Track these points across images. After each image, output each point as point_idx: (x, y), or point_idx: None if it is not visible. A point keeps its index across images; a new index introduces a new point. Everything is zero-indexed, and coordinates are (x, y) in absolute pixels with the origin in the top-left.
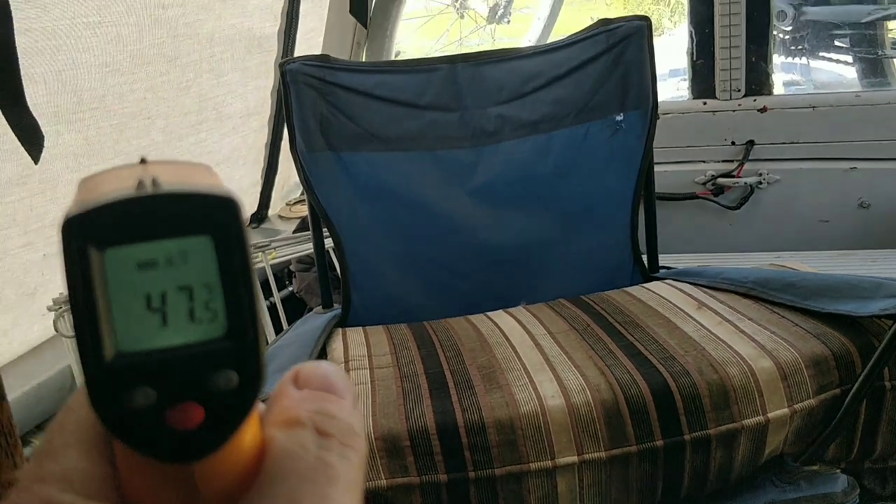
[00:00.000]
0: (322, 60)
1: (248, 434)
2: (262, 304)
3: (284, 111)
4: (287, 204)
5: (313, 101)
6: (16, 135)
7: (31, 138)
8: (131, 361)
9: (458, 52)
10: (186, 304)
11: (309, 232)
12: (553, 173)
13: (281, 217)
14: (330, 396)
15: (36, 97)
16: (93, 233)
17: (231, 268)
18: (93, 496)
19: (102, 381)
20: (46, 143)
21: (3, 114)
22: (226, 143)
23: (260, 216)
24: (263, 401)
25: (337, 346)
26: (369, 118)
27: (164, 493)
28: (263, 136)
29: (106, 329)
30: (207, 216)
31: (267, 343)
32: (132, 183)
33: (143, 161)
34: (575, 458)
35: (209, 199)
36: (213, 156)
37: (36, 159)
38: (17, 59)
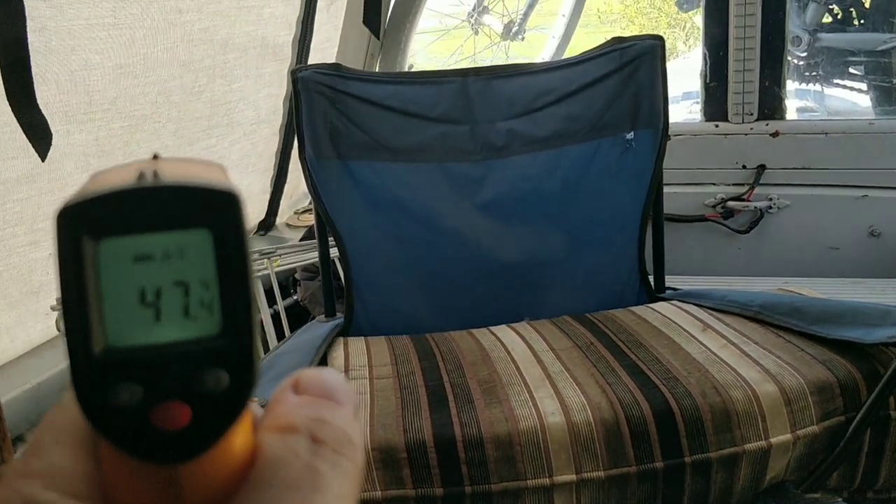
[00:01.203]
0: (334, 69)
1: (239, 438)
2: (259, 304)
3: (295, 118)
4: (295, 213)
5: (324, 110)
6: (24, 131)
7: (38, 136)
8: (120, 357)
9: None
10: (181, 299)
11: (315, 240)
12: (561, 190)
13: (289, 225)
14: (328, 403)
15: (48, 96)
16: (88, 222)
17: (229, 265)
18: (76, 495)
19: (89, 375)
20: (56, 142)
21: (13, 110)
22: (236, 149)
23: (267, 224)
24: (263, 406)
25: (338, 354)
26: (379, 128)
27: (148, 494)
28: (274, 144)
29: (96, 322)
30: (207, 210)
31: (268, 349)
32: (134, 175)
33: (154, 157)
34: (573, 477)
35: (209, 192)
36: (223, 161)
37: (43, 157)
38: (28, 56)
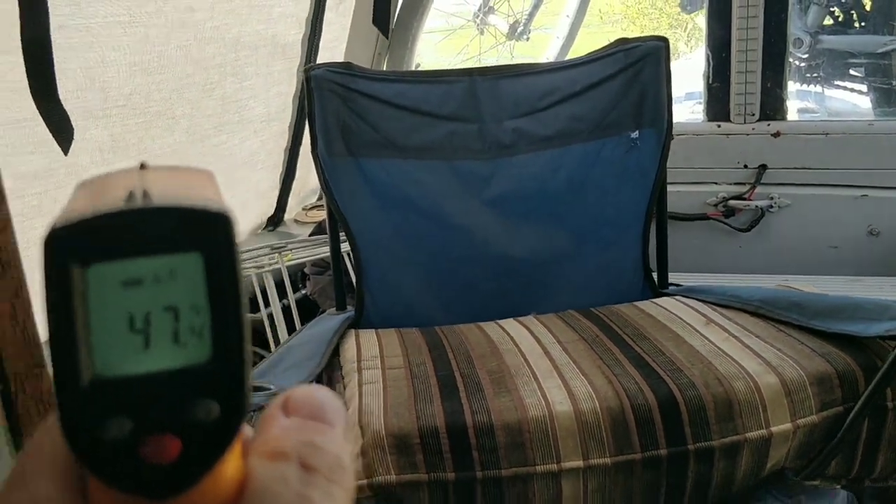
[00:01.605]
0: (346, 68)
1: (229, 467)
2: (270, 297)
3: (307, 116)
4: (303, 209)
5: (336, 108)
6: (48, 126)
7: (62, 130)
8: (108, 388)
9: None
10: (171, 325)
11: (324, 235)
12: (567, 188)
13: (297, 221)
14: (319, 426)
15: (65, 92)
16: (76, 248)
17: (221, 288)
18: None
19: (76, 408)
20: (74, 136)
21: (37, 106)
22: (246, 146)
23: (276, 219)
24: (275, 394)
25: (350, 346)
26: (389, 126)
27: None
28: (283, 140)
29: (84, 352)
30: (198, 232)
31: (279, 341)
32: (123, 194)
33: (142, 167)
34: (580, 463)
35: (201, 214)
36: (234, 158)
37: (66, 151)
38: (52, 53)
